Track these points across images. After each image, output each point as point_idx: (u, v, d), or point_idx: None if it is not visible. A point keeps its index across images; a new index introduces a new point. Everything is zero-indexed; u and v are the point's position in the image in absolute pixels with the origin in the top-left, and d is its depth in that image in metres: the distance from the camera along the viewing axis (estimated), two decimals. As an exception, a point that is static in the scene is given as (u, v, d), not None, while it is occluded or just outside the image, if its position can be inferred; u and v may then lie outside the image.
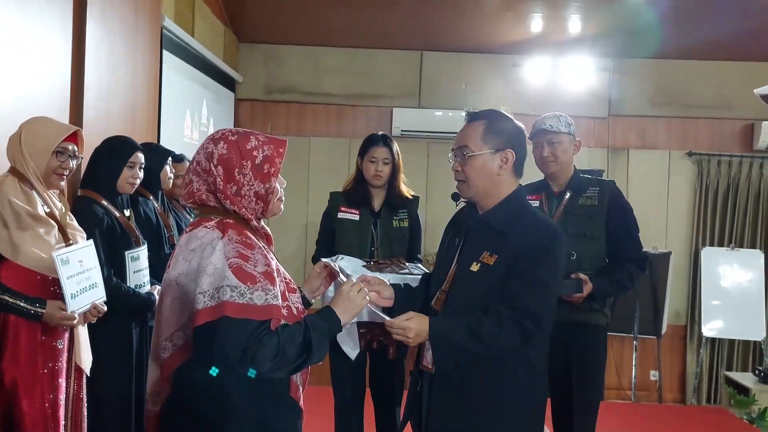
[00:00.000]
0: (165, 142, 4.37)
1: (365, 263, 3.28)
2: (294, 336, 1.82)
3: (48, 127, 2.67)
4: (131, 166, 3.15)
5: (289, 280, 1.95)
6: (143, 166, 3.23)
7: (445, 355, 2.23)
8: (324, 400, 3.64)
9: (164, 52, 4.54)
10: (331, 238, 3.56)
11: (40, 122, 2.67)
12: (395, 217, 3.54)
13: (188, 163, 4.06)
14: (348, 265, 3.18)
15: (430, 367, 2.30)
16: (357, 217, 3.52)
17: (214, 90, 5.83)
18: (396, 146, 3.58)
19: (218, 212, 1.92)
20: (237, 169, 1.88)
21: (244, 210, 1.89)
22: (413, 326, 2.19)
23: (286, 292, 1.91)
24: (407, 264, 3.35)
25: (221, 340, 1.75)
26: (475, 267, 2.26)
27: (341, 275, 2.20)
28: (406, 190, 3.60)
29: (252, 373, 1.79)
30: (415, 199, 3.64)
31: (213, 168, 1.88)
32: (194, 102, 5.34)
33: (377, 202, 3.57)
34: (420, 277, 2.85)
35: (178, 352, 1.88)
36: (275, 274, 1.86)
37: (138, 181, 3.21)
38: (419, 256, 3.64)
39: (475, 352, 2.19)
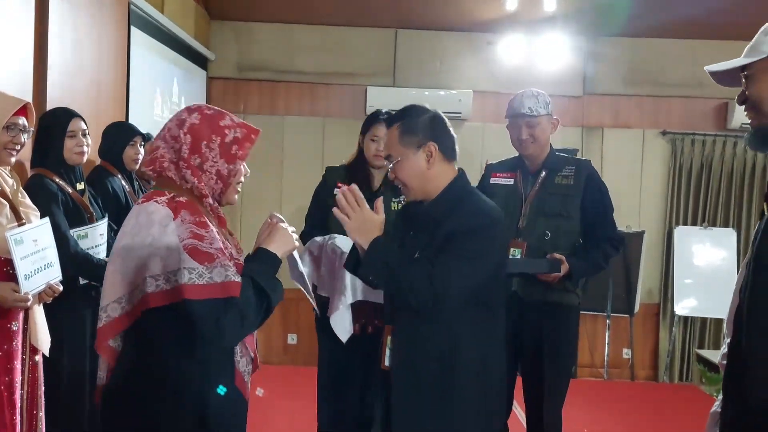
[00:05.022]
0: (134, 121, 4.28)
1: None
2: (246, 291, 1.81)
3: None
4: (72, 135, 3.08)
5: (238, 260, 1.92)
6: (86, 132, 3.15)
7: (372, 267, 2.22)
8: (308, 383, 3.59)
9: (132, 28, 4.45)
10: (324, 215, 3.27)
11: None
12: (394, 199, 3.31)
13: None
14: (343, 243, 3.11)
15: (387, 365, 2.30)
16: None
17: (185, 68, 5.72)
18: None
19: (174, 186, 1.89)
20: (205, 142, 1.87)
21: (202, 185, 1.87)
22: (368, 217, 2.18)
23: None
24: None
25: (193, 322, 1.76)
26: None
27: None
28: None
29: (222, 390, 1.83)
30: None
31: (182, 135, 1.87)
32: (164, 80, 5.24)
33: (376, 184, 3.38)
34: None
35: (112, 323, 1.86)
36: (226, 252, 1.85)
37: (85, 149, 3.13)
38: None
39: (388, 276, 2.18)
